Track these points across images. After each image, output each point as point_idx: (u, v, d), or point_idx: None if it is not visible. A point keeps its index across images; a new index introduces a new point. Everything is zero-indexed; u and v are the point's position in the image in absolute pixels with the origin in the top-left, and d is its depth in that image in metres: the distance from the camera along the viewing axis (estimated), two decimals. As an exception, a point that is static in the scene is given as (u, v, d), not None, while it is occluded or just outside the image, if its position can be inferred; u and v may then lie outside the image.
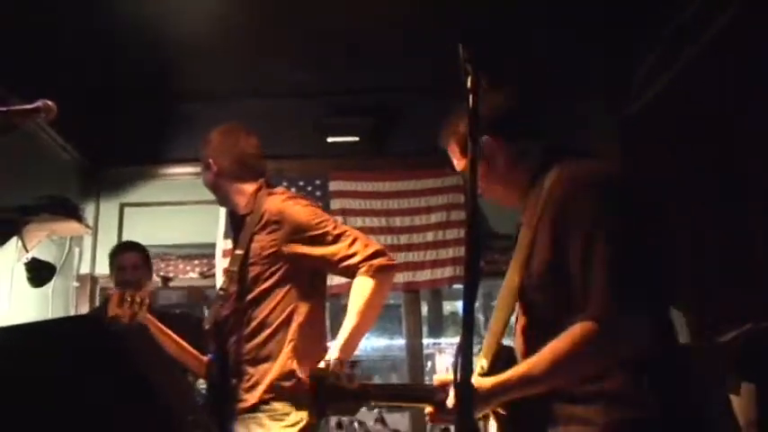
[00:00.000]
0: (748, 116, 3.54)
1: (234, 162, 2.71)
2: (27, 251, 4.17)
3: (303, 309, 2.53)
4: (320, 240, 2.48)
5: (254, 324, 2.51)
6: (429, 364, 6.57)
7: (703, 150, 3.95)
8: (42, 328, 1.24)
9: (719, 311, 3.63)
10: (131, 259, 3.77)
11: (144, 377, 1.33)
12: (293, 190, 3.72)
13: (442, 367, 6.57)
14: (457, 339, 1.40)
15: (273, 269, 2.52)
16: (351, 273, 2.45)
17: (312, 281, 2.61)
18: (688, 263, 4.00)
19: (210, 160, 2.72)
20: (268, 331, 2.49)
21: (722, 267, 3.75)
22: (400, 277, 5.32)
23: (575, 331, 1.52)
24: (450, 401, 1.64)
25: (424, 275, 5.42)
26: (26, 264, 4.12)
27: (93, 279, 5.35)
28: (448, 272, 5.35)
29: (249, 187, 2.69)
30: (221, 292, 2.61)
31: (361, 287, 2.41)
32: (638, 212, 1.64)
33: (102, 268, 5.37)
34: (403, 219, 5.51)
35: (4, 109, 2.01)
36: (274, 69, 5.03)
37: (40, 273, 4.19)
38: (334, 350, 2.39)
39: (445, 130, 1.91)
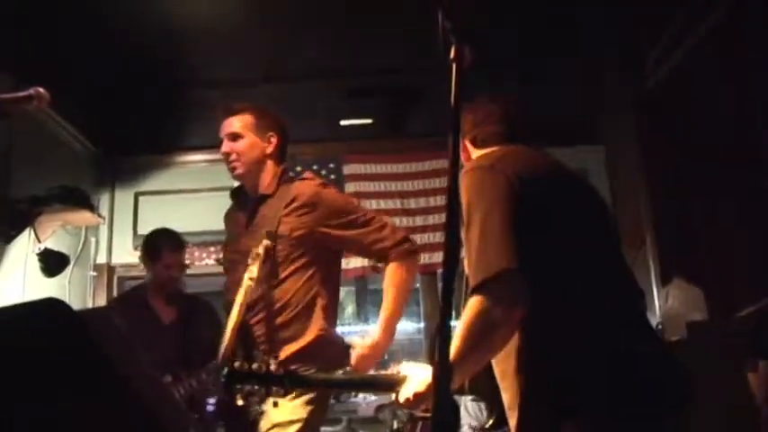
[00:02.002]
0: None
1: (284, 141, 2.78)
2: (40, 241, 4.19)
3: (324, 292, 2.60)
4: (353, 224, 2.61)
5: (278, 305, 2.54)
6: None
7: (719, 127, 3.84)
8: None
9: (739, 288, 3.54)
10: (181, 258, 3.69)
11: (113, 369, 1.30)
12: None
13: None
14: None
15: (300, 252, 2.57)
16: (383, 256, 2.62)
17: (331, 266, 2.69)
18: (707, 239, 3.91)
19: (272, 134, 2.74)
20: (292, 313, 2.53)
21: (742, 243, 3.65)
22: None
23: (467, 309, 1.57)
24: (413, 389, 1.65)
25: (442, 257, 5.35)
26: (38, 254, 4.14)
27: (110, 268, 5.39)
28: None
29: (278, 169, 2.73)
30: (252, 275, 2.60)
31: (397, 275, 2.58)
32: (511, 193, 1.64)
33: (119, 257, 5.41)
34: (418, 200, 5.46)
35: (-6, 97, 1.99)
36: (286, 54, 4.97)
37: (52, 263, 4.20)
38: (379, 333, 2.52)
39: None
